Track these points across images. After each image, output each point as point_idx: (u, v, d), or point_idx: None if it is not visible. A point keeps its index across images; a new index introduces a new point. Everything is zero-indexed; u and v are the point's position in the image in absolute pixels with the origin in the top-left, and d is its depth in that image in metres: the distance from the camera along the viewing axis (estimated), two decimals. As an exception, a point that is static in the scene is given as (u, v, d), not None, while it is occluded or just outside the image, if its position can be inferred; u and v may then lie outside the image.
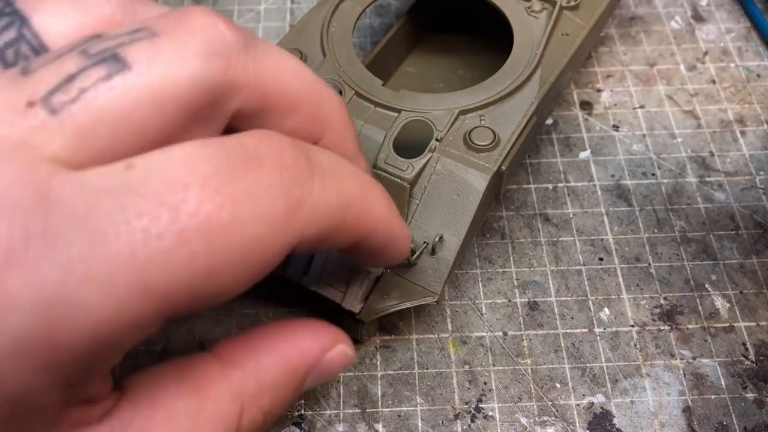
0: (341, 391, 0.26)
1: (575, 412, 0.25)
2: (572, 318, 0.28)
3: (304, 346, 0.20)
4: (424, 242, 0.25)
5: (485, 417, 0.25)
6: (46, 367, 0.14)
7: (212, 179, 0.14)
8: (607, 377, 0.26)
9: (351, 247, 0.19)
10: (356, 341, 0.27)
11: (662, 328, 0.28)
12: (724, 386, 0.26)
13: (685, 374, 0.26)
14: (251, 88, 0.17)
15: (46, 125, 0.14)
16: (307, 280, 0.25)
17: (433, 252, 0.25)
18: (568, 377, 0.26)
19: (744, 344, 0.27)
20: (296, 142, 0.17)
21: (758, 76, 0.36)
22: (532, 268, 0.29)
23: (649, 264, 0.29)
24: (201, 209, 0.14)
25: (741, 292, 0.28)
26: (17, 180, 0.14)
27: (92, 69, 0.15)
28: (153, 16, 0.17)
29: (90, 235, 0.13)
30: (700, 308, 0.28)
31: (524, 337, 0.27)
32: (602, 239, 0.30)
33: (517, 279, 0.29)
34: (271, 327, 0.20)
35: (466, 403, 0.26)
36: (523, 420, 0.25)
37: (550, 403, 0.26)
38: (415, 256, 0.24)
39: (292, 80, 0.18)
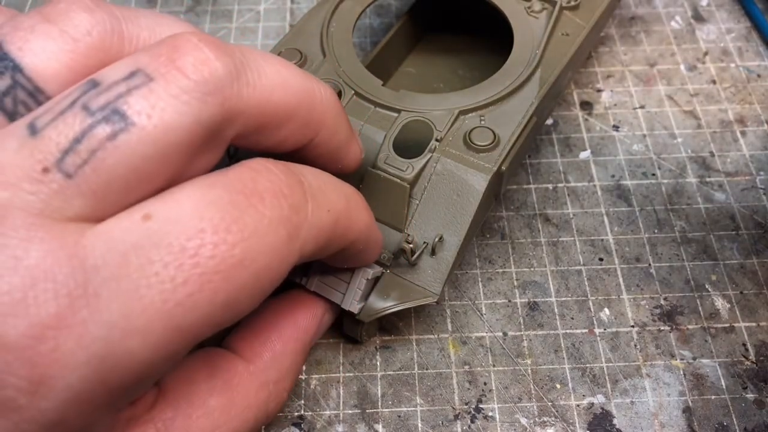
0: (341, 392, 0.26)
1: (575, 413, 0.25)
2: (572, 318, 0.28)
3: (305, 321, 0.24)
4: (424, 242, 0.25)
5: (485, 417, 0.25)
6: (100, 407, 0.16)
7: (222, 221, 0.16)
8: (607, 378, 0.26)
9: (335, 253, 0.21)
10: (356, 341, 0.27)
11: (662, 328, 0.27)
12: (724, 387, 0.26)
13: (685, 375, 0.26)
14: (247, 114, 0.18)
15: (63, 189, 0.15)
16: (308, 281, 0.25)
17: (432, 252, 0.25)
18: (568, 378, 0.26)
19: (744, 345, 0.27)
20: (288, 167, 0.18)
21: (758, 76, 0.36)
22: (532, 269, 0.29)
23: (650, 264, 0.29)
24: (217, 251, 0.16)
25: (741, 293, 0.28)
26: (51, 249, 0.15)
27: (97, 128, 0.15)
28: (144, 50, 0.17)
29: (126, 292, 0.15)
30: (700, 308, 0.28)
31: (524, 338, 0.27)
32: (602, 239, 0.30)
33: (517, 279, 0.29)
34: (272, 312, 0.24)
35: (466, 404, 0.26)
36: (523, 420, 0.25)
37: (550, 403, 0.26)
38: (415, 256, 0.24)
39: (285, 95, 0.19)
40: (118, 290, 0.15)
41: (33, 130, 0.16)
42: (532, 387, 0.26)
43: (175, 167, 0.17)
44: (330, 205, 0.19)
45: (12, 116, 0.17)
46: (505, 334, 0.27)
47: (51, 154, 0.15)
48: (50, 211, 0.15)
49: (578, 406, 0.26)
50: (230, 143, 0.19)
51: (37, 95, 0.17)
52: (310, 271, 0.25)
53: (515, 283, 0.29)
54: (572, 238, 0.30)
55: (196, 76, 0.16)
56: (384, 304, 0.24)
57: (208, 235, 0.16)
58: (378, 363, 0.27)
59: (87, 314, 0.15)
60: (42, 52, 0.17)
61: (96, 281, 0.15)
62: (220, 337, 0.23)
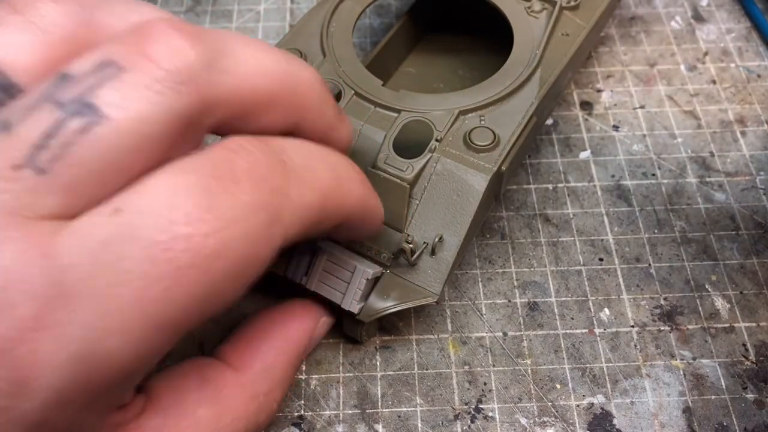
0: (341, 392, 0.26)
1: (575, 413, 0.25)
2: (572, 318, 0.28)
3: (298, 333, 0.23)
4: (424, 242, 0.25)
5: (485, 417, 0.25)
6: (84, 407, 0.15)
7: (194, 210, 0.15)
8: (607, 378, 0.26)
9: (332, 229, 0.20)
10: (356, 341, 0.27)
11: (662, 328, 0.27)
12: (724, 387, 0.26)
13: (685, 375, 0.26)
14: (225, 102, 0.17)
15: (36, 187, 0.15)
16: (308, 281, 0.25)
17: (432, 252, 0.25)
18: (568, 378, 0.26)
19: (744, 345, 0.27)
20: (267, 144, 0.17)
21: (758, 76, 0.36)
22: (532, 269, 0.29)
23: (650, 264, 0.29)
24: (191, 244, 0.15)
25: (741, 293, 0.28)
26: (25, 249, 0.14)
27: (69, 122, 0.15)
28: (114, 39, 0.16)
29: (100, 291, 0.14)
30: (700, 309, 0.28)
31: (524, 338, 0.27)
32: (602, 239, 0.30)
33: (517, 279, 0.29)
34: (265, 323, 0.23)
35: (466, 404, 0.26)
36: (523, 421, 0.25)
37: (550, 403, 0.26)
38: (414, 256, 0.24)
39: (265, 81, 0.18)
40: (93, 289, 0.14)
41: (4, 126, 0.15)
42: (532, 387, 0.26)
43: (151, 159, 0.16)
44: (316, 182, 0.18)
45: None
46: (505, 334, 0.27)
47: (22, 150, 0.15)
48: (23, 210, 0.15)
49: (578, 406, 0.26)
50: (211, 131, 0.18)
51: (10, 89, 0.17)
52: (311, 270, 0.25)
53: (515, 283, 0.29)
54: (572, 238, 0.30)
55: (168, 66, 0.16)
56: (384, 304, 0.24)
57: (180, 226, 0.15)
58: (378, 363, 0.27)
59: (64, 315, 0.14)
60: (13, 44, 0.17)
61: (70, 281, 0.14)
62: (213, 346, 0.23)
